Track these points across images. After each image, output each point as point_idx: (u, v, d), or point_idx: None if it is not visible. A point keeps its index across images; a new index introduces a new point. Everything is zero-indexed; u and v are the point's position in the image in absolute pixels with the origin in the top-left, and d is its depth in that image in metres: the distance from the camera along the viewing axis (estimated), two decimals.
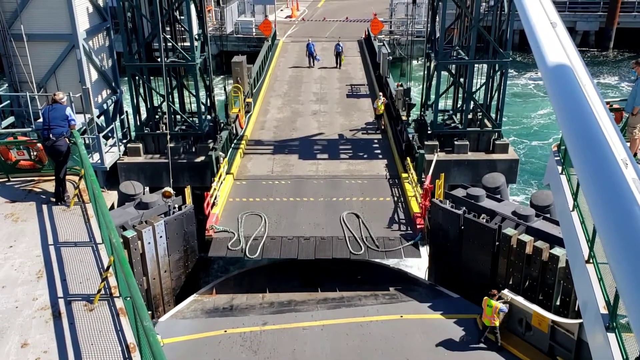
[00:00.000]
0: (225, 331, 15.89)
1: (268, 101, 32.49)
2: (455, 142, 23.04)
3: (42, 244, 10.40)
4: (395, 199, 20.93)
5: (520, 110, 41.43)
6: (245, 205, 20.51)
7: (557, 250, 15.13)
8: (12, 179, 13.10)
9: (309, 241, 18.17)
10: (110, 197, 19.98)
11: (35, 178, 13.13)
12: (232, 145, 25.45)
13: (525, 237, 15.89)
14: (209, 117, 24.34)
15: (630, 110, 10.86)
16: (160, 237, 17.09)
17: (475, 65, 22.77)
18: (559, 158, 10.79)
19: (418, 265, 20.95)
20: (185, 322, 16.49)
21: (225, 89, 27.06)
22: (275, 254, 17.68)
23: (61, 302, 8.94)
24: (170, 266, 17.70)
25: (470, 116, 23.81)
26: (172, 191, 18.16)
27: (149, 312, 8.84)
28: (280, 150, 25.37)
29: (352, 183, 22.14)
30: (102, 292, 8.99)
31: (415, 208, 19.72)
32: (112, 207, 18.66)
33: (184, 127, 23.92)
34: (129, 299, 8.17)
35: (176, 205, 18.06)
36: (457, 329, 15.99)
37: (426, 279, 19.44)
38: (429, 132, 23.17)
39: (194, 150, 23.36)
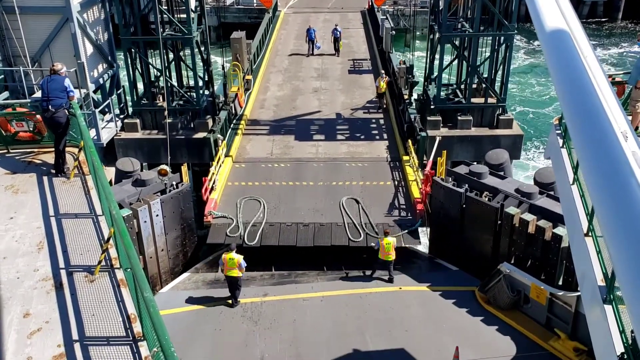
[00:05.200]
0: (227, 303, 16.43)
1: (268, 78, 32.57)
2: (459, 118, 23.18)
3: (43, 215, 10.64)
4: (396, 183, 21.19)
5: (527, 83, 41.48)
6: (244, 190, 20.80)
7: (560, 230, 15.33)
8: (11, 151, 13.30)
9: (308, 227, 18.55)
10: (108, 173, 20.23)
11: (35, 150, 13.33)
12: (231, 125, 25.64)
13: (528, 216, 16.11)
14: (207, 92, 24.47)
15: (634, 83, 11.00)
16: (157, 215, 17.35)
17: (480, 37, 22.81)
18: (560, 132, 10.99)
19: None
20: (186, 294, 17.03)
21: (223, 67, 27.10)
22: (274, 241, 18.08)
23: (62, 273, 9.21)
24: (167, 245, 17.99)
25: (474, 86, 23.93)
26: (168, 169, 18.39)
27: None
28: (280, 130, 25.59)
29: (353, 166, 22.40)
30: (103, 263, 9.26)
31: (415, 193, 19.98)
32: (110, 184, 18.90)
33: (181, 102, 24.08)
34: (129, 270, 8.44)
35: (173, 183, 18.30)
36: (456, 301, 16.45)
37: (427, 252, 19.80)
38: (432, 107, 23.32)
39: (192, 126, 23.55)
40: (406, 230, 18.36)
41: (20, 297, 8.77)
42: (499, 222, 16.77)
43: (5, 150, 13.32)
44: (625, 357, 7.20)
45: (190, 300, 16.68)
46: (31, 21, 21.74)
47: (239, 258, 15.94)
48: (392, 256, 17.14)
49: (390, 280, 17.32)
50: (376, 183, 21.24)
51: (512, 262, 16.48)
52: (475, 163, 19.63)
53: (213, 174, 20.35)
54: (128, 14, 22.27)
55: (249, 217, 19.05)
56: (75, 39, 21.93)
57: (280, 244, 18.05)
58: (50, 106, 11.89)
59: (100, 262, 9.25)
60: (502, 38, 22.49)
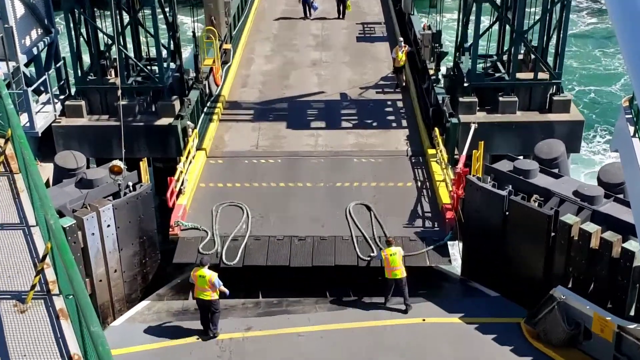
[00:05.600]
0: (198, 338, 16.45)
1: (252, 47, 32.66)
2: (500, 99, 23.15)
3: None
4: (419, 184, 21.24)
5: (589, 54, 41.50)
6: (221, 193, 20.84)
7: (631, 244, 15.31)
8: None
9: (305, 242, 18.58)
10: (45, 170, 20.27)
11: None
12: (205, 109, 25.65)
13: (591, 227, 16.07)
14: (172, 65, 24.49)
15: None
16: (108, 226, 17.32)
17: None
18: (630, 116, 10.99)
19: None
20: (145, 328, 17.04)
21: (194, 34, 27.06)
22: (261, 260, 18.11)
23: None
24: (121, 265, 17.98)
25: (521, 57, 23.91)
26: (122, 165, 18.35)
27: None
28: (268, 116, 25.62)
29: (363, 162, 22.46)
30: (37, 288, 9.24)
31: (444, 197, 20.02)
32: (47, 185, 18.89)
33: (139, 79, 24.10)
34: (71, 297, 8.43)
35: (129, 184, 18.29)
36: (497, 336, 16.46)
37: (459, 273, 19.91)
38: (466, 84, 23.35)
39: (153, 109, 23.58)
40: (432, 246, 18.37)
41: None
42: (553, 233, 16.77)
43: None
44: None
45: (152, 336, 16.67)
46: None
47: (211, 275, 15.96)
48: (402, 272, 17.11)
49: (407, 310, 17.29)
50: (393, 184, 21.27)
51: (569, 285, 16.49)
52: (521, 157, 19.67)
53: (181, 172, 20.36)
54: None
55: (227, 229, 19.08)
56: None
57: (268, 264, 18.08)
58: None
59: (33, 286, 9.23)
60: None
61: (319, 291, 18.34)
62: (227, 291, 16.29)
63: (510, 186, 18.02)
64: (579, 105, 27.44)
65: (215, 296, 16.08)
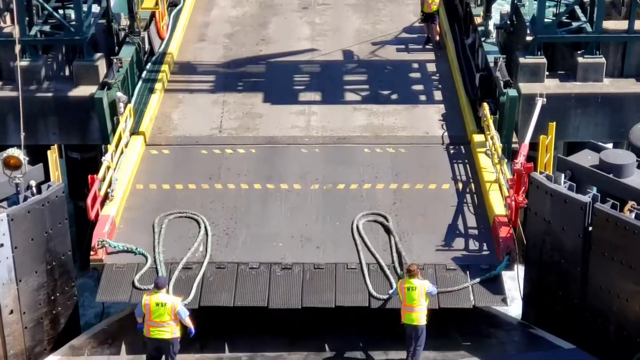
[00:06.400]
0: None
1: None
2: (580, 60, 23.34)
3: None
4: (460, 186, 21.44)
5: None
6: (167, 200, 21.04)
7: None
8: None
9: (292, 273, 18.62)
10: None
11: None
12: (144, 74, 25.83)
13: None
14: (95, 8, 24.48)
15: None
16: (1, 245, 17.35)
17: None
18: None
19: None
20: None
21: None
22: (226, 298, 18.10)
23: None
24: (20, 303, 17.99)
25: None
26: (22, 157, 18.36)
27: None
28: (236, 84, 25.94)
29: (377, 154, 22.73)
30: None
31: (497, 206, 20.13)
32: None
33: (48, 29, 24.12)
34: None
35: (32, 184, 18.32)
36: None
37: (518, 317, 20.01)
38: (529, 38, 23.50)
39: (67, 73, 23.56)
40: (479, 278, 18.40)
41: None
42: None
43: None
44: None
45: None
46: None
47: (173, 303, 15.86)
48: (419, 318, 16.90)
49: None
50: (422, 186, 21.41)
51: None
52: (610, 146, 19.70)
53: (108, 167, 20.43)
54: None
55: (177, 252, 19.16)
56: None
57: (237, 304, 18.09)
58: None
59: None
60: None
61: (311, 343, 18.39)
62: (192, 328, 16.18)
63: (595, 188, 18.15)
64: None
65: (177, 333, 15.96)
